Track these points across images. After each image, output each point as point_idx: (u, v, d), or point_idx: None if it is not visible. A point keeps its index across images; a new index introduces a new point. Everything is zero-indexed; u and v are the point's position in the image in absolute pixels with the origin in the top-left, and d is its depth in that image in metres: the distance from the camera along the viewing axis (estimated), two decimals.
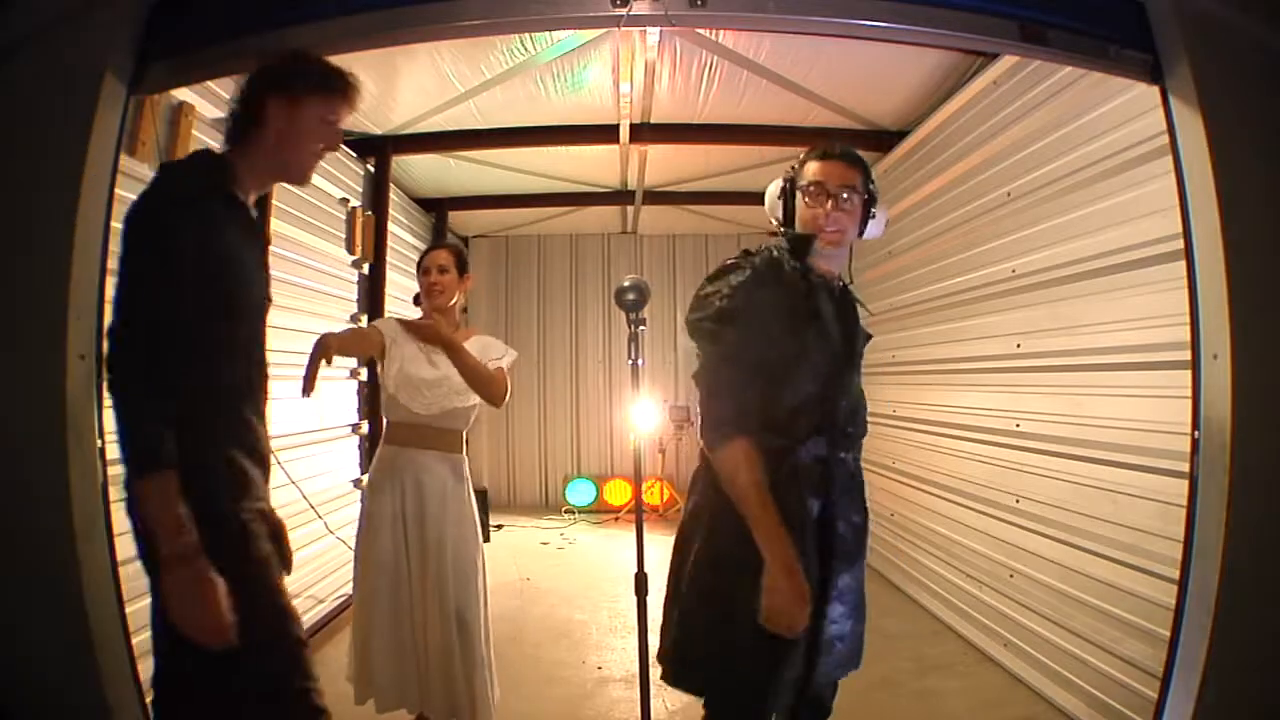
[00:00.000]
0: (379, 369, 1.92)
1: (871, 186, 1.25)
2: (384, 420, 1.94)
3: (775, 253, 1.23)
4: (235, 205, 1.11)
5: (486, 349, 1.92)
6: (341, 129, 1.19)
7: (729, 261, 1.23)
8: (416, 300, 2.03)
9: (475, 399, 1.87)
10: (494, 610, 2.00)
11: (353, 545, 1.92)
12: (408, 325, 1.88)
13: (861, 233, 1.26)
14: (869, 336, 1.32)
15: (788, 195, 1.26)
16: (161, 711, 1.05)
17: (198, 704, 1.00)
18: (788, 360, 1.15)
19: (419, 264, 1.97)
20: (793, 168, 1.27)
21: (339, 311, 3.20)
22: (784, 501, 1.10)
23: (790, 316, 1.16)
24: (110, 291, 1.00)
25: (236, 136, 1.13)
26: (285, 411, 2.66)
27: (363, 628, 1.81)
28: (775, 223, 1.31)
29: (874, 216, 1.26)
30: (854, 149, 1.25)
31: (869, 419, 1.29)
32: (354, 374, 3.39)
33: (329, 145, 1.17)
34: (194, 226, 1.01)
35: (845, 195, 1.20)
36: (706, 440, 1.14)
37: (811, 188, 1.21)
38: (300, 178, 1.19)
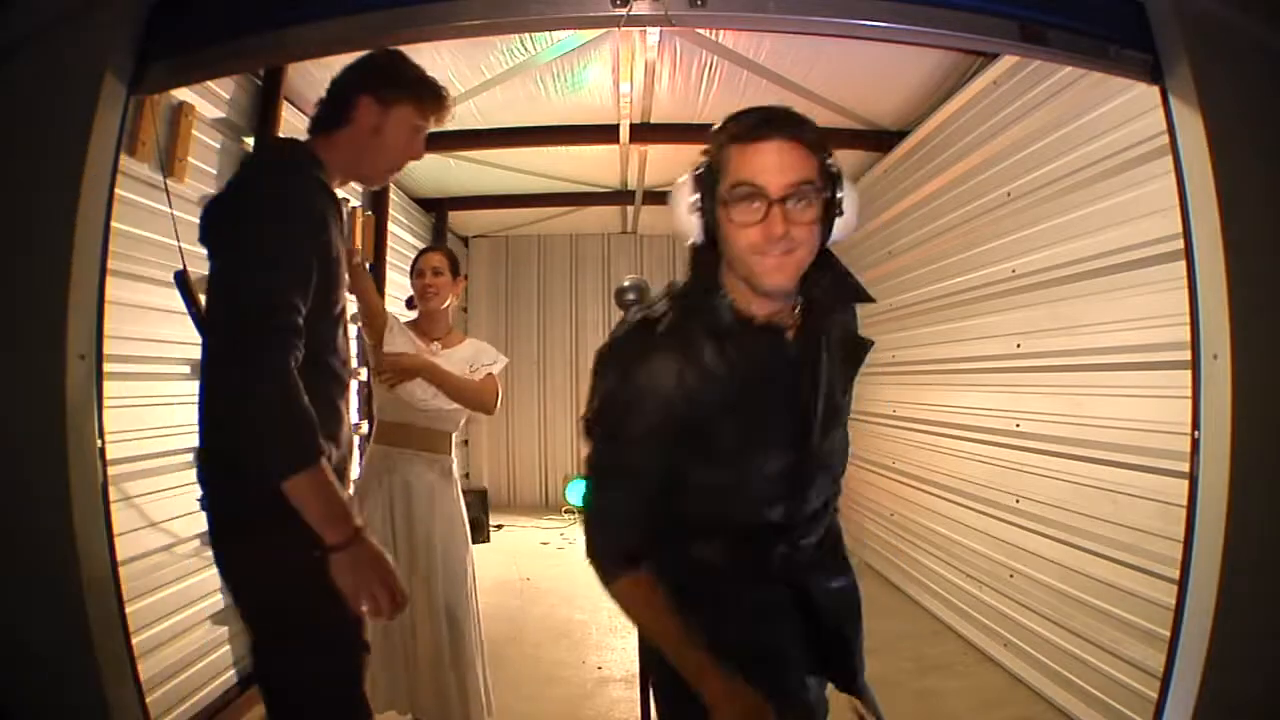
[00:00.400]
0: (372, 362, 1.93)
1: (831, 164, 0.84)
2: (375, 419, 1.95)
3: (679, 315, 0.86)
4: (329, 193, 1.10)
5: (478, 354, 1.92)
6: (425, 140, 1.19)
7: (617, 333, 0.91)
8: (409, 303, 2.03)
9: (459, 412, 1.88)
10: (494, 610, 2.01)
11: None
12: (388, 353, 1.87)
13: (828, 234, 0.85)
14: (865, 349, 0.97)
15: (705, 205, 0.84)
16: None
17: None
18: (704, 457, 0.87)
19: (412, 266, 1.98)
20: (706, 153, 0.86)
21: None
22: (720, 623, 0.87)
23: (702, 405, 0.84)
24: (104, 295, 1.01)
25: (321, 128, 1.12)
26: None
27: None
28: (690, 249, 0.91)
29: (841, 211, 0.84)
30: (796, 111, 0.83)
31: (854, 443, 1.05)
32: (354, 374, 3.39)
33: (413, 155, 1.18)
34: (315, 202, 1.01)
35: (797, 200, 0.80)
36: (594, 567, 0.90)
37: (739, 194, 0.80)
38: (378, 181, 1.22)
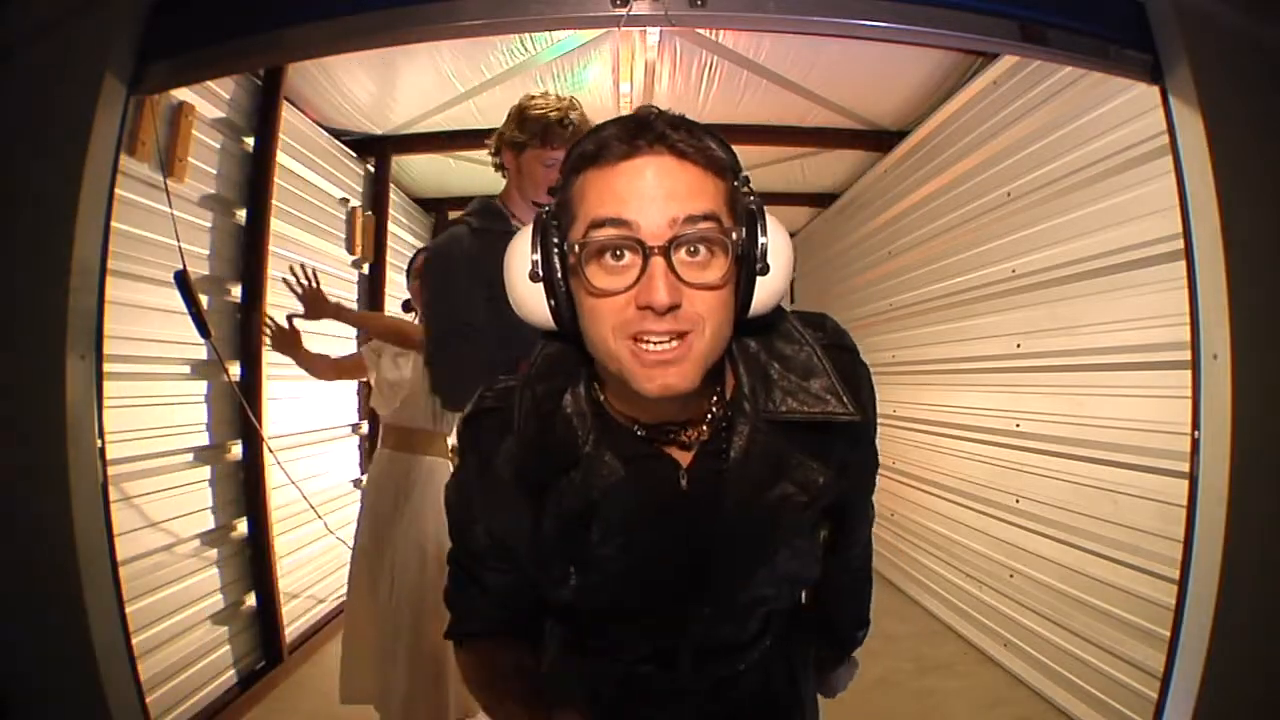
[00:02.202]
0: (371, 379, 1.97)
1: (745, 193, 0.57)
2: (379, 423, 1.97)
3: (523, 415, 0.60)
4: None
5: None
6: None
7: (461, 421, 0.68)
8: (406, 306, 2.04)
9: (425, 397, 1.85)
10: None
11: (351, 545, 1.92)
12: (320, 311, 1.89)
13: (746, 305, 0.56)
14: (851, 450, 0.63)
15: (549, 259, 0.56)
16: None
17: None
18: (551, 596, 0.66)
19: (409, 267, 1.98)
20: (552, 191, 0.59)
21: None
22: None
23: (532, 530, 0.62)
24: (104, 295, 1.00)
25: (505, 178, 1.45)
26: (285, 411, 2.66)
27: (353, 637, 1.82)
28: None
29: (764, 267, 0.55)
30: (686, 118, 0.55)
31: None
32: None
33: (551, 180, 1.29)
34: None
35: (692, 249, 0.52)
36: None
37: (597, 243, 0.53)
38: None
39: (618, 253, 0.52)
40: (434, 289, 1.39)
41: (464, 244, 1.34)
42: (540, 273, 0.56)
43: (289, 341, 1.96)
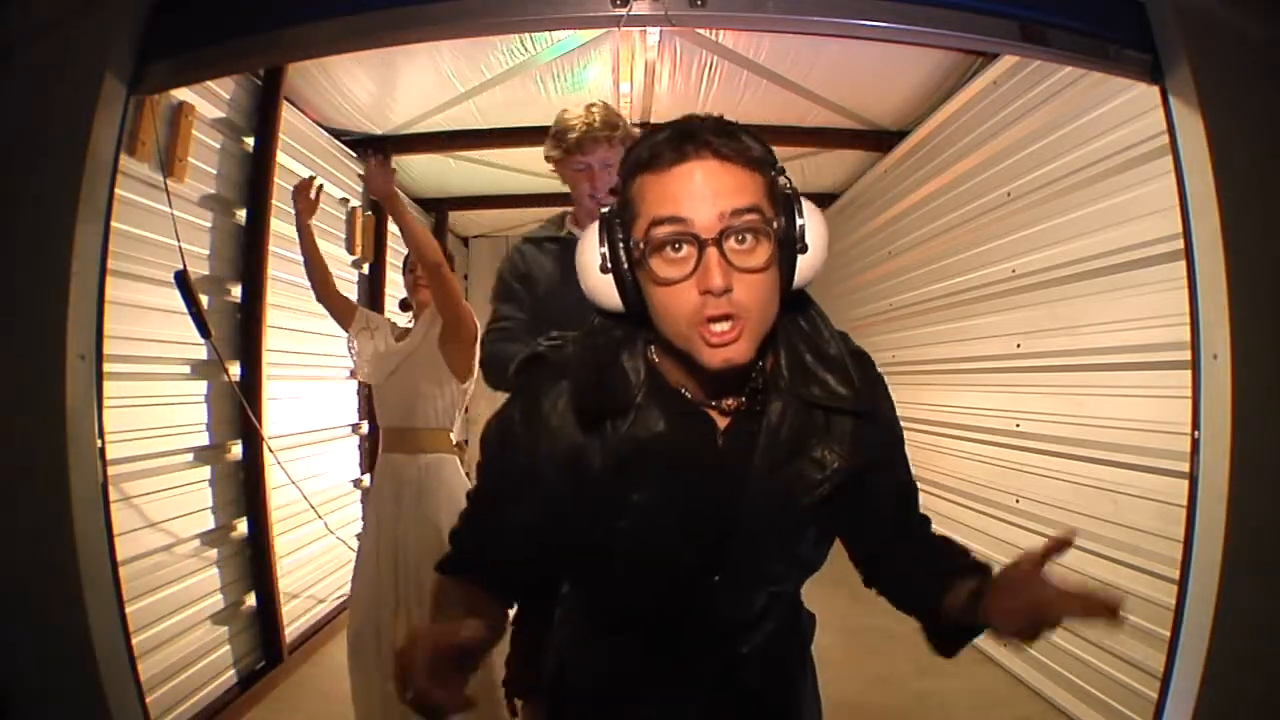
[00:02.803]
0: (349, 350, 1.94)
1: (783, 183, 0.65)
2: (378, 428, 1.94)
3: (582, 366, 0.69)
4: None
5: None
6: (591, 171, 1.46)
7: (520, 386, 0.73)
8: (404, 305, 2.02)
9: (436, 385, 1.83)
10: None
11: (353, 545, 1.92)
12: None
13: (788, 287, 0.65)
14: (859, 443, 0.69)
15: (619, 263, 0.64)
16: None
17: None
18: (587, 556, 0.72)
19: (405, 262, 1.97)
20: (614, 191, 0.67)
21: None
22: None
23: (586, 493, 0.68)
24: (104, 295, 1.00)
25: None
26: (285, 411, 2.66)
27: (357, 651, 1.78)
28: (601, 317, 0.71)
29: (804, 247, 0.64)
30: (727, 120, 0.63)
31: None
32: (354, 374, 3.40)
33: (594, 186, 1.46)
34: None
35: (740, 238, 0.60)
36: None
37: (657, 239, 0.61)
38: (594, 213, 1.44)
39: (676, 245, 0.60)
40: (494, 290, 1.59)
41: (525, 252, 1.57)
42: (609, 265, 0.65)
43: (387, 178, 1.73)
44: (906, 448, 0.77)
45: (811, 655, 0.85)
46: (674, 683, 0.74)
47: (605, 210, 0.67)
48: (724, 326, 0.60)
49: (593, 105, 1.49)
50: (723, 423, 0.69)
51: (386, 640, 1.73)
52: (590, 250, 0.66)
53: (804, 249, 0.64)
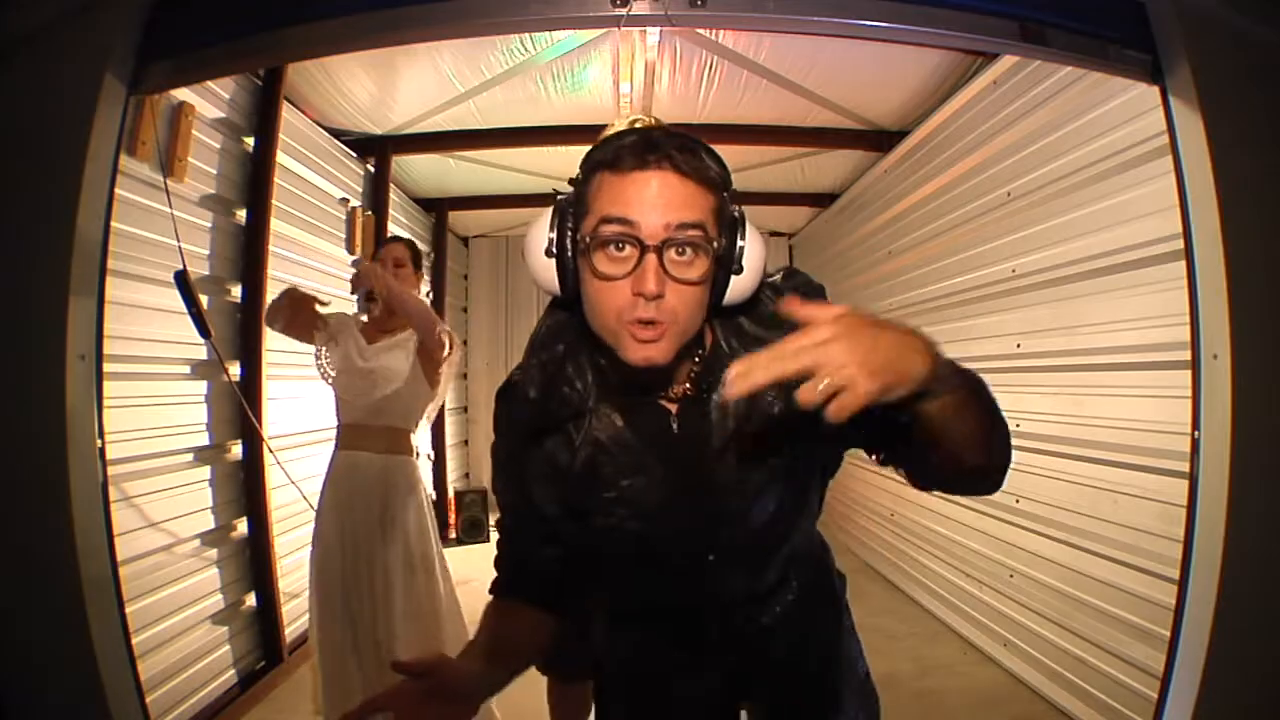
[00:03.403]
0: (318, 364, 1.91)
1: (731, 206, 0.68)
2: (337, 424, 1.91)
3: (538, 377, 0.74)
4: None
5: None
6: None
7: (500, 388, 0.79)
8: (369, 296, 1.99)
9: (408, 392, 1.83)
10: None
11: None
12: (356, 318, 1.89)
13: (720, 297, 0.68)
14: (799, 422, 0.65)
15: (564, 250, 0.68)
16: None
17: None
18: (580, 538, 0.76)
19: (372, 258, 1.96)
20: (573, 181, 0.71)
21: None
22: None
23: (560, 483, 0.74)
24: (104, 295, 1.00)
25: None
26: (285, 411, 2.66)
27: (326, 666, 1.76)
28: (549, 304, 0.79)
29: (739, 268, 0.67)
30: (691, 137, 0.66)
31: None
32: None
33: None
34: None
35: (680, 250, 0.63)
36: None
37: (604, 236, 0.64)
38: None
39: (620, 245, 0.64)
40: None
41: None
42: (554, 250, 0.68)
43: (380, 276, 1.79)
44: None
45: (850, 620, 0.87)
46: (698, 665, 0.76)
47: (560, 198, 0.70)
48: (649, 332, 0.63)
49: (637, 120, 1.42)
50: (674, 407, 0.72)
51: (363, 633, 1.73)
52: (540, 233, 0.69)
53: (739, 270, 0.68)
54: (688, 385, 0.72)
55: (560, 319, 0.76)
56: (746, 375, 0.50)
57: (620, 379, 0.71)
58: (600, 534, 0.72)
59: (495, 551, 0.82)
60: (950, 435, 0.58)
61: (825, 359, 0.49)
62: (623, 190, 0.64)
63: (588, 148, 0.71)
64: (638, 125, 1.43)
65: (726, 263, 0.67)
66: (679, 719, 0.78)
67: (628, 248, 0.63)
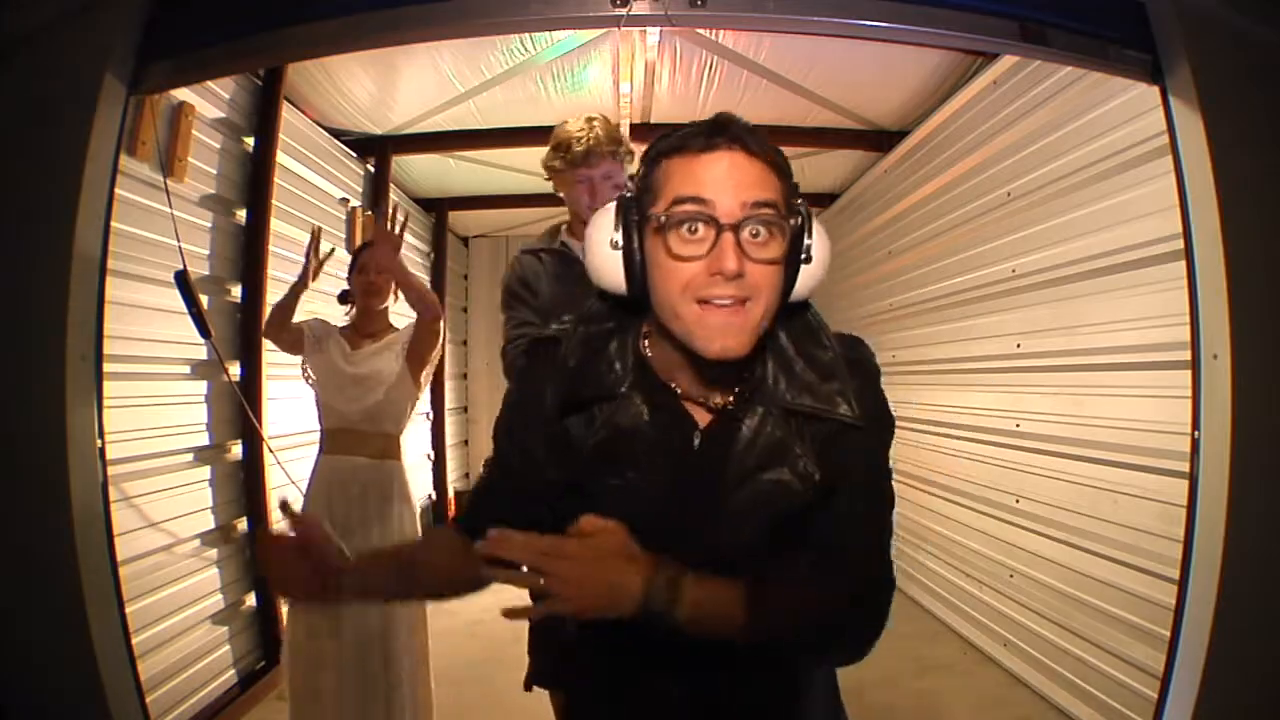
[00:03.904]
0: (302, 371, 1.90)
1: (798, 196, 0.67)
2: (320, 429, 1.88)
3: (576, 352, 0.71)
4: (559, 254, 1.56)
5: (409, 326, 1.89)
6: (593, 184, 1.48)
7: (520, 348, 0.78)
8: (343, 298, 1.96)
9: (398, 396, 1.83)
10: (495, 612, 1.98)
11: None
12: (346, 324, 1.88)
13: (790, 288, 0.66)
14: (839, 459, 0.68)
15: (629, 233, 0.66)
16: None
17: None
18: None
19: (354, 261, 1.95)
20: (634, 177, 0.69)
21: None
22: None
23: (562, 448, 0.71)
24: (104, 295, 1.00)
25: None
26: (286, 411, 2.66)
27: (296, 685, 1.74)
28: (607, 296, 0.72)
29: (808, 258, 0.66)
30: (756, 126, 0.65)
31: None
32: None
33: (591, 200, 1.47)
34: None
35: (758, 229, 0.62)
36: None
37: (678, 216, 0.62)
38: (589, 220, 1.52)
39: (693, 227, 0.62)
40: (501, 301, 1.61)
41: (524, 262, 1.59)
42: (619, 241, 0.66)
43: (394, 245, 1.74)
44: (892, 463, 0.73)
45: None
46: (665, 669, 0.71)
47: (625, 192, 0.68)
48: (731, 314, 0.61)
49: (593, 118, 1.51)
50: (704, 420, 0.70)
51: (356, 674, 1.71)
52: (603, 228, 0.67)
53: (809, 260, 0.66)
54: (730, 399, 0.69)
55: (611, 304, 0.72)
56: (502, 542, 0.59)
57: (661, 375, 0.69)
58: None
59: (474, 487, 0.80)
60: (721, 634, 0.63)
61: (558, 573, 0.59)
62: (693, 171, 0.63)
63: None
64: (594, 123, 1.48)
65: (798, 247, 0.65)
66: None
67: (701, 228, 0.61)
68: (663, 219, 0.62)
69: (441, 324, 1.83)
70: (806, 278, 0.67)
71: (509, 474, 0.75)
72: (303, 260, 1.92)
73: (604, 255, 0.67)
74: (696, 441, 0.69)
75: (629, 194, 0.67)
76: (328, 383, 1.84)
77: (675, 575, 0.62)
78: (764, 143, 0.64)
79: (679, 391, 0.69)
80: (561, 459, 0.70)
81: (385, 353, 1.84)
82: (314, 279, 1.91)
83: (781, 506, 0.67)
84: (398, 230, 1.73)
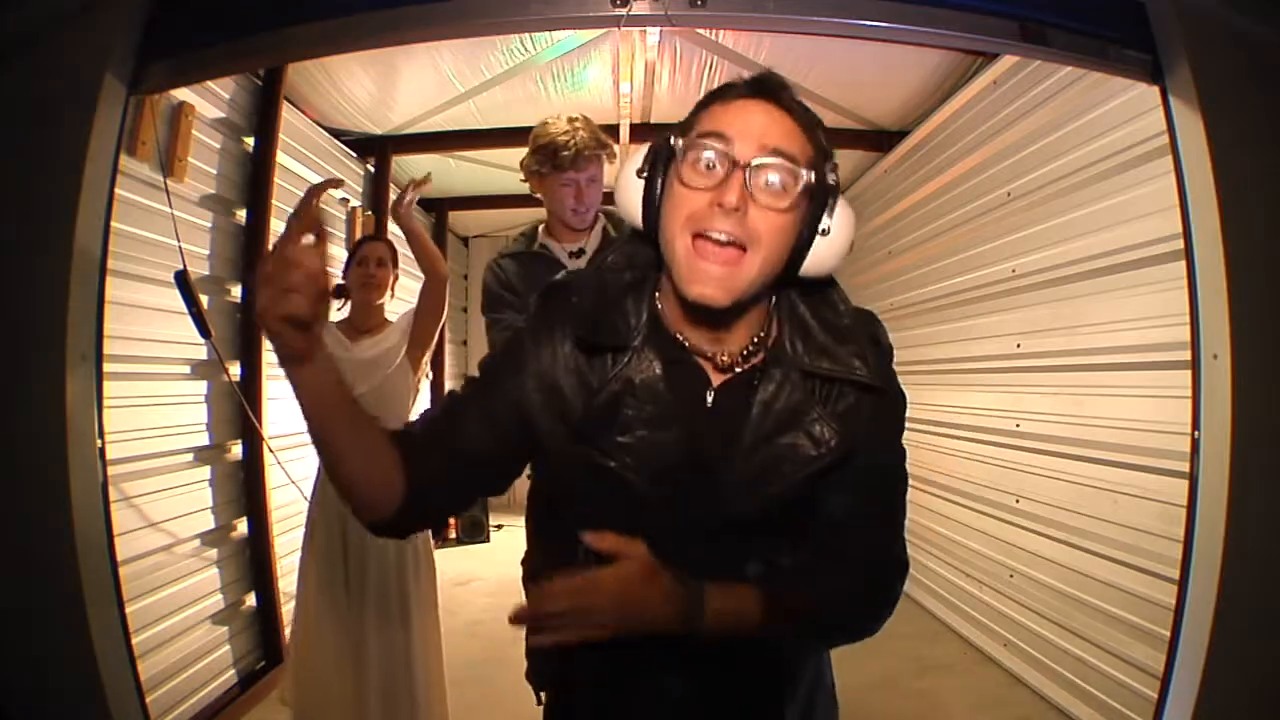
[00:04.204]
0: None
1: (827, 163, 0.65)
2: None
3: (592, 298, 0.69)
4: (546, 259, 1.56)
5: (402, 316, 1.88)
6: (578, 187, 1.48)
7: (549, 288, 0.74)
8: (338, 293, 1.94)
9: (401, 390, 1.81)
10: (496, 612, 1.99)
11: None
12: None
13: (800, 257, 0.65)
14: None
15: (654, 168, 0.66)
16: None
17: None
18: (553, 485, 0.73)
19: (351, 255, 1.94)
20: (669, 136, 0.66)
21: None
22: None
23: (566, 397, 0.68)
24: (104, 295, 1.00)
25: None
26: (285, 411, 2.66)
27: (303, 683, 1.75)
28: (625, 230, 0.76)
29: (826, 229, 0.64)
30: (794, 90, 0.66)
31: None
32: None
33: (575, 202, 1.49)
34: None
35: (770, 175, 0.61)
36: None
37: (698, 146, 0.63)
38: (576, 225, 1.56)
39: (710, 162, 0.62)
40: (483, 305, 1.60)
41: (504, 266, 1.58)
42: (645, 168, 0.66)
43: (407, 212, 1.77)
44: (904, 441, 0.73)
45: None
46: (663, 666, 0.68)
47: (666, 135, 0.67)
48: (720, 255, 0.61)
49: (575, 119, 1.50)
50: (717, 379, 0.68)
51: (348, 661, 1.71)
52: (637, 159, 0.68)
53: (825, 232, 0.65)
54: (741, 362, 0.68)
55: (637, 248, 0.72)
56: (544, 600, 0.61)
57: (671, 329, 0.68)
58: (597, 473, 0.66)
59: (431, 408, 0.75)
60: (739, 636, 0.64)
61: (597, 608, 0.61)
62: (725, 113, 0.64)
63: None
64: (578, 125, 1.47)
65: (815, 214, 0.64)
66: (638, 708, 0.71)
67: (719, 167, 0.62)
68: (682, 149, 0.63)
69: (447, 290, 1.81)
70: (826, 253, 0.65)
71: (478, 404, 0.71)
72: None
73: (628, 181, 0.68)
74: (710, 399, 0.67)
75: (664, 138, 0.67)
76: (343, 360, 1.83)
77: (697, 588, 0.63)
78: (802, 104, 0.65)
79: (687, 345, 0.68)
80: (566, 408, 0.67)
81: (384, 342, 1.83)
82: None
83: (797, 471, 0.65)
84: (409, 198, 1.76)
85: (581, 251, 1.57)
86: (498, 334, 1.54)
